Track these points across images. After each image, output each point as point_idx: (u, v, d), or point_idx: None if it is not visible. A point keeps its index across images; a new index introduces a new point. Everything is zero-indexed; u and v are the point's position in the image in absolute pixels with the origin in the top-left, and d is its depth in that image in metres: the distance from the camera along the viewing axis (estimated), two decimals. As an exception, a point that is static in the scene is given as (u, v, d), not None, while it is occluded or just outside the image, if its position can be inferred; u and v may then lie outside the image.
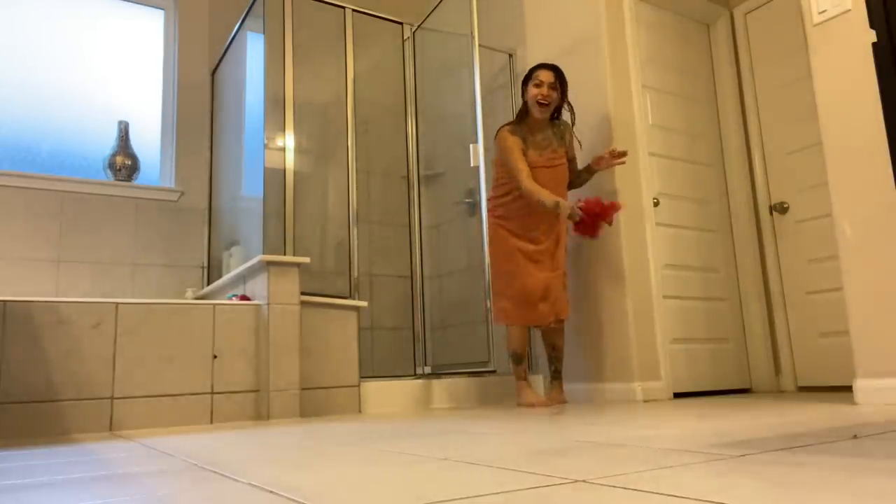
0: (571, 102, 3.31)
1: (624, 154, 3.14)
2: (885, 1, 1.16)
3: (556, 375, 3.27)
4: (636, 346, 3.19)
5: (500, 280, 3.17)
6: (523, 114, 3.24)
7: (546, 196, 2.99)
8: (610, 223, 3.10)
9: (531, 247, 3.15)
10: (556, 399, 3.22)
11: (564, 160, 3.25)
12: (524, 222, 3.16)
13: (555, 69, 3.20)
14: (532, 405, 3.04)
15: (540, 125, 3.23)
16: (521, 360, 3.16)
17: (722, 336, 3.63)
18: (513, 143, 3.13)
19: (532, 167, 3.13)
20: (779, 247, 3.69)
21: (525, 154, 3.15)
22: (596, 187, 3.41)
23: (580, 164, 3.37)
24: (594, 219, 3.06)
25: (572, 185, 3.36)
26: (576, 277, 3.49)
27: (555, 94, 3.18)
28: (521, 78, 3.29)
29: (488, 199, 3.29)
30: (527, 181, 3.05)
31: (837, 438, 1.35)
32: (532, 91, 3.17)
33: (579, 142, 3.35)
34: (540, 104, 3.16)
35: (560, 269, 3.19)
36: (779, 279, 3.67)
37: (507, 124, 3.24)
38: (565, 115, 3.36)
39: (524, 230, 3.17)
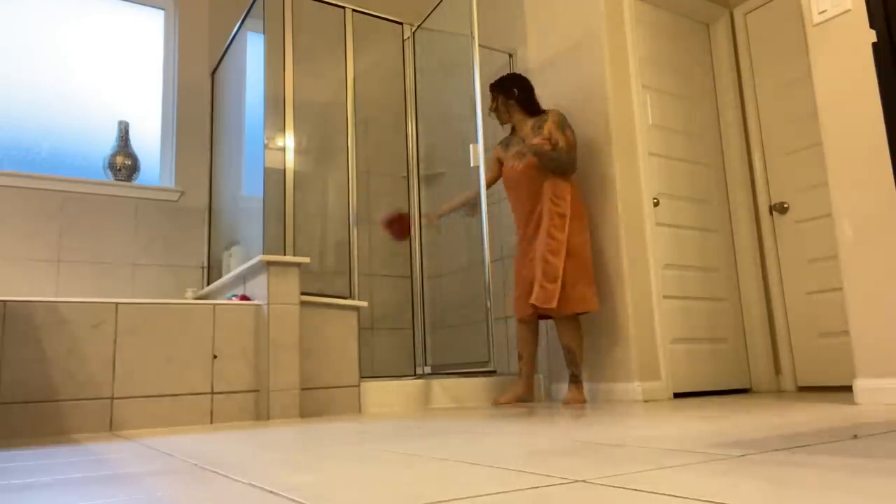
0: (570, 99, 3.51)
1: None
2: (885, 1, 1.16)
3: (571, 379, 3.15)
4: (636, 346, 3.19)
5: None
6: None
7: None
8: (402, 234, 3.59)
9: (517, 238, 3.37)
10: (576, 399, 3.11)
11: (523, 160, 3.24)
12: (515, 216, 3.41)
13: (491, 87, 3.42)
14: (496, 402, 3.23)
15: (520, 127, 3.38)
16: (519, 357, 3.28)
17: (722, 336, 3.63)
18: (493, 154, 3.53)
19: (506, 171, 3.38)
20: (779, 247, 3.69)
21: (504, 160, 3.41)
22: (596, 187, 3.41)
23: (586, 148, 3.50)
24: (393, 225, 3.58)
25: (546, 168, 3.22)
26: (576, 277, 3.49)
27: (499, 109, 3.40)
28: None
29: None
30: None
31: (837, 438, 1.35)
32: None
33: (569, 126, 3.26)
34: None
35: (533, 254, 3.17)
36: (779, 279, 3.66)
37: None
38: (559, 103, 3.64)
39: (517, 223, 3.39)
